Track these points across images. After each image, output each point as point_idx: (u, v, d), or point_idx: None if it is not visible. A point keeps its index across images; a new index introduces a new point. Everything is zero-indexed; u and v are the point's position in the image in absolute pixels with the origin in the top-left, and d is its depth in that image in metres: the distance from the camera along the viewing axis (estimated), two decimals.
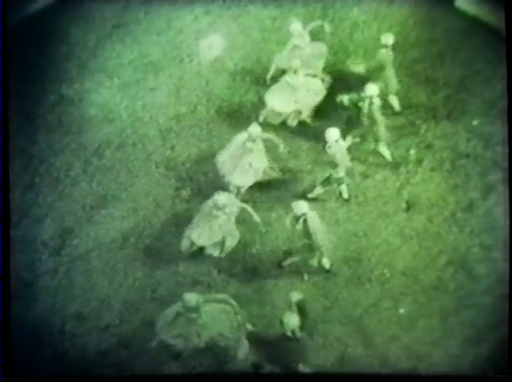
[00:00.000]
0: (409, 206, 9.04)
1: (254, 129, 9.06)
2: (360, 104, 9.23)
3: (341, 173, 8.99)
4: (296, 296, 8.00)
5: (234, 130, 9.57)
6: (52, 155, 9.54)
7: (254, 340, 8.25)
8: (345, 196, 9.13)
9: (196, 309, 8.09)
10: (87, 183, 9.47)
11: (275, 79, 9.70)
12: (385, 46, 9.42)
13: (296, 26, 9.71)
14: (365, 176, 9.30)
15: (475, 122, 9.31)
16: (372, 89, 9.12)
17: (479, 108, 9.32)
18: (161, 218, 9.23)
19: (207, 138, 9.71)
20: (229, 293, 8.58)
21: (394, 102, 9.57)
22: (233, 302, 8.29)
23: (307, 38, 9.74)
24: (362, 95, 9.19)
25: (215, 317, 8.20)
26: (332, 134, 8.87)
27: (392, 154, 9.36)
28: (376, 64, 9.51)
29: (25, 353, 8.37)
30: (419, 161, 9.29)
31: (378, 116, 9.16)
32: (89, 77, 9.96)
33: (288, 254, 8.79)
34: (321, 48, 9.79)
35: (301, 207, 8.44)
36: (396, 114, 9.57)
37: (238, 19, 10.15)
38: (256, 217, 8.79)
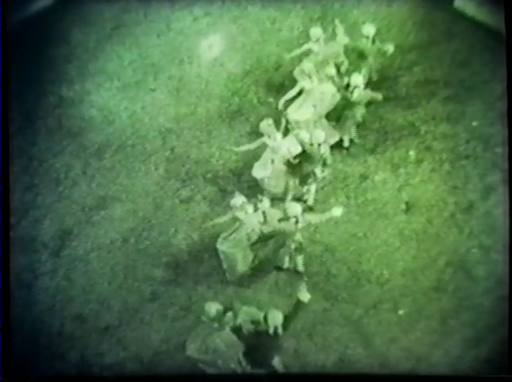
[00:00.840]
0: (409, 207, 9.04)
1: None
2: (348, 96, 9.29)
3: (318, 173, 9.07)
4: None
5: (233, 131, 9.61)
6: (51, 156, 9.54)
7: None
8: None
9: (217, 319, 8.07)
10: (86, 184, 9.47)
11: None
12: (367, 37, 9.48)
13: (316, 31, 9.67)
14: (364, 177, 9.31)
15: (474, 124, 9.31)
16: (357, 80, 9.18)
17: (479, 109, 9.31)
18: (161, 219, 9.24)
19: (206, 140, 9.72)
20: (228, 294, 8.62)
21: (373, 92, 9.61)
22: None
23: (322, 44, 9.75)
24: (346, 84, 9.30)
25: None
26: (319, 136, 8.92)
27: (391, 155, 9.38)
28: (357, 52, 9.59)
29: (23, 354, 8.37)
30: (418, 163, 9.29)
31: (359, 107, 9.27)
32: (89, 78, 9.97)
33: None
34: (335, 47, 9.78)
35: (294, 209, 8.42)
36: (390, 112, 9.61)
37: (238, 20, 10.15)
38: None
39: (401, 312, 8.40)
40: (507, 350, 7.99)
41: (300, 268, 8.79)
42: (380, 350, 8.19)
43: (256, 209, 8.64)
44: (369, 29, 9.52)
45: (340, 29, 9.62)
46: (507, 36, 8.59)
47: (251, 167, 9.22)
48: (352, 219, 9.04)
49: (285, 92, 9.41)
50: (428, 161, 9.27)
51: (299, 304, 8.03)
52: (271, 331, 7.88)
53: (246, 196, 8.77)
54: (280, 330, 7.87)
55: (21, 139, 9.29)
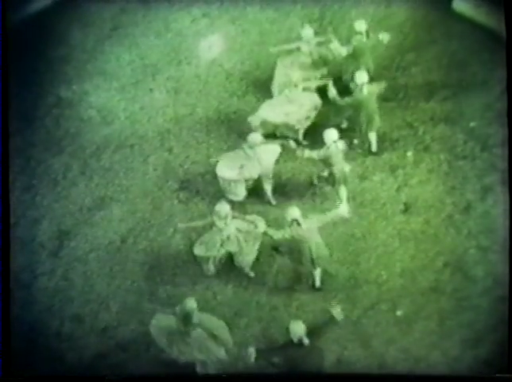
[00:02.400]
0: (407, 208, 9.04)
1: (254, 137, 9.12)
2: (354, 95, 9.25)
3: (337, 173, 8.99)
4: None
5: (232, 132, 9.62)
6: (50, 157, 9.54)
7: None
8: (342, 198, 9.12)
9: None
10: (85, 184, 9.47)
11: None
12: (360, 33, 9.51)
13: (308, 32, 9.70)
14: (363, 178, 9.30)
15: (472, 125, 9.31)
16: (362, 77, 9.15)
17: (477, 110, 9.31)
18: (159, 220, 9.24)
19: (205, 140, 9.72)
20: (227, 295, 8.63)
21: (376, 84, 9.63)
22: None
23: (313, 46, 9.76)
24: (352, 84, 9.24)
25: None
26: (330, 135, 8.88)
27: (390, 156, 9.38)
28: (354, 49, 9.58)
29: (22, 355, 8.37)
30: (417, 163, 9.29)
31: (371, 103, 9.19)
32: (88, 79, 9.97)
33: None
34: (325, 52, 9.82)
35: (292, 212, 8.37)
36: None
37: (236, 21, 10.15)
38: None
39: (399, 313, 8.39)
40: (506, 351, 8.00)
41: (317, 283, 8.73)
42: (378, 351, 8.18)
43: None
44: (361, 25, 9.54)
45: (334, 41, 9.68)
46: (507, 36, 8.59)
47: None
48: (351, 219, 9.02)
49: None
50: (426, 162, 9.27)
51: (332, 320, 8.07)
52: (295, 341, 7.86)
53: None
54: (305, 340, 7.86)
55: (20, 139, 9.29)
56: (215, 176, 9.29)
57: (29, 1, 9.49)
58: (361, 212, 9.07)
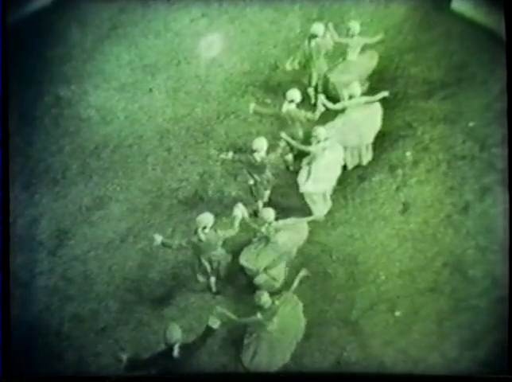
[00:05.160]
0: (406, 208, 9.04)
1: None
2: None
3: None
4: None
5: (231, 132, 9.62)
6: (48, 156, 9.53)
7: None
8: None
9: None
10: (84, 184, 9.47)
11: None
12: (316, 36, 9.53)
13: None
14: (361, 178, 9.32)
15: (471, 124, 9.30)
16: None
17: (476, 110, 9.29)
18: (158, 219, 9.25)
19: (204, 140, 9.73)
20: (226, 296, 8.64)
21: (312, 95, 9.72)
22: None
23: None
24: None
25: None
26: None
27: (388, 156, 9.39)
28: (306, 55, 9.62)
29: (21, 354, 8.39)
30: (415, 164, 9.30)
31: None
32: (86, 79, 9.94)
33: None
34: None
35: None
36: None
37: (236, 21, 10.12)
38: None
39: (397, 313, 8.41)
40: (505, 352, 8.01)
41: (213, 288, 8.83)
42: (377, 352, 8.21)
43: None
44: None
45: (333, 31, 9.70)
46: (507, 36, 8.59)
47: None
48: (349, 220, 9.05)
49: (284, 93, 9.45)
50: (424, 162, 9.27)
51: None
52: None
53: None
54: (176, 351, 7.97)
55: (18, 139, 9.26)
56: (213, 176, 9.32)
57: (27, 1, 9.47)
58: (359, 212, 9.09)
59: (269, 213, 8.63)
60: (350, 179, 9.22)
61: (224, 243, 8.62)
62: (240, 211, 8.61)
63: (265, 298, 8.20)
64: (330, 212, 9.12)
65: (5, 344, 8.35)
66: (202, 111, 9.89)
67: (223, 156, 9.09)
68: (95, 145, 9.69)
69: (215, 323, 8.06)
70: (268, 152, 8.98)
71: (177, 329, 8.01)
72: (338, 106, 9.33)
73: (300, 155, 9.26)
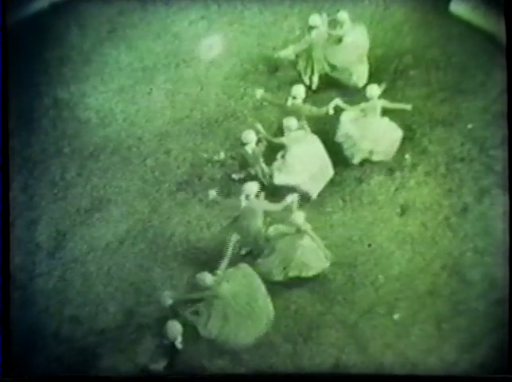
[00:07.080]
0: (404, 210, 9.04)
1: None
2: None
3: None
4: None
5: (229, 135, 9.63)
6: (47, 158, 9.53)
7: None
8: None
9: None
10: (82, 186, 9.47)
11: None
12: (314, 27, 9.57)
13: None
14: (360, 181, 9.32)
15: (469, 127, 9.32)
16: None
17: (474, 113, 9.31)
18: (157, 221, 9.25)
19: (202, 143, 9.73)
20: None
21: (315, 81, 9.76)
22: None
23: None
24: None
25: None
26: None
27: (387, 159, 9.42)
28: (305, 46, 9.67)
29: (19, 357, 8.38)
30: (414, 166, 9.30)
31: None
32: (85, 81, 9.95)
33: None
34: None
35: (251, 188, 8.67)
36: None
37: (234, 24, 10.13)
38: None
39: (396, 316, 8.41)
40: (503, 354, 8.02)
41: None
42: (375, 355, 8.20)
43: None
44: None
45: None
46: (507, 38, 8.59)
47: None
48: (348, 222, 9.05)
49: (283, 94, 9.46)
50: (423, 165, 9.27)
51: None
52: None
53: None
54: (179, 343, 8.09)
55: (16, 141, 9.26)
56: (212, 178, 9.32)
57: (26, 3, 9.47)
58: (358, 214, 9.08)
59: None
60: (348, 181, 9.22)
61: None
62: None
63: (209, 279, 8.33)
64: (328, 214, 9.13)
65: (5, 344, 8.34)
66: (201, 113, 9.89)
67: (215, 157, 9.16)
68: (94, 147, 9.69)
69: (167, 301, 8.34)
70: (257, 144, 9.11)
71: (177, 326, 8.07)
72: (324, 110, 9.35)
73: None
